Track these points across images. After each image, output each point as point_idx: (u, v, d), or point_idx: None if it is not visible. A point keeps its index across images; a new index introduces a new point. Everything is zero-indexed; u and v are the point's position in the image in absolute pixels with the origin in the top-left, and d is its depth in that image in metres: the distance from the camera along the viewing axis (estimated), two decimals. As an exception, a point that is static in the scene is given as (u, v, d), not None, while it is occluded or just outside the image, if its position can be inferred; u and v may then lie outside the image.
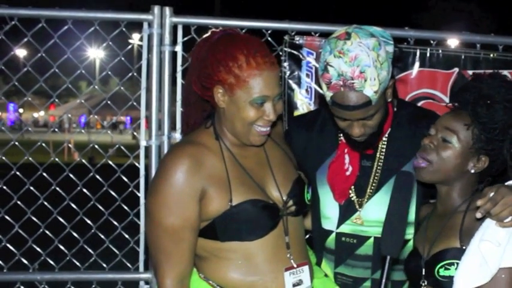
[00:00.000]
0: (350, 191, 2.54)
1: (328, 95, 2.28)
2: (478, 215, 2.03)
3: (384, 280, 2.05)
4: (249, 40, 2.29)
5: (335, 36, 2.27)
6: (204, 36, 2.44)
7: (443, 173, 2.24)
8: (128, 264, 3.61)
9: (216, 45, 2.28)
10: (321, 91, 2.33)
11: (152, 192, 2.30)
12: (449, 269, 2.15)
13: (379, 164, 2.52)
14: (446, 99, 3.35)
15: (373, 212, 2.51)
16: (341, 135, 2.53)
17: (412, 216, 2.46)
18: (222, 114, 2.32)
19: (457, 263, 2.11)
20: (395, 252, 2.09)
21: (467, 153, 2.22)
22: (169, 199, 2.24)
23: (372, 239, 2.52)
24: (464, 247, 2.12)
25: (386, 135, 2.53)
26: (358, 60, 2.19)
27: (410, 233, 2.47)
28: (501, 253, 2.03)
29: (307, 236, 2.77)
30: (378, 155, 2.53)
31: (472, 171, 2.24)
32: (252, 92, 2.21)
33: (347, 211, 2.54)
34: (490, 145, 2.19)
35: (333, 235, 2.57)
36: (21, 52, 21.60)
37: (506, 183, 2.14)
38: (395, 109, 2.56)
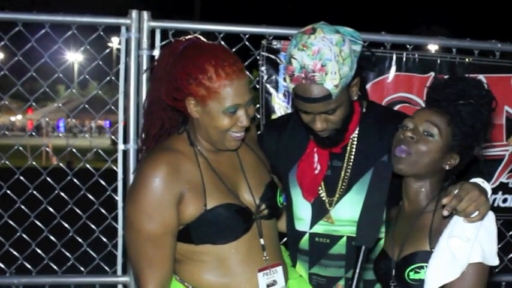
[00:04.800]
0: (320, 190, 2.57)
1: (291, 87, 2.35)
2: (445, 212, 2.06)
3: (358, 270, 2.08)
4: (215, 49, 2.29)
5: (302, 31, 2.33)
6: (168, 46, 2.43)
7: (422, 166, 2.23)
8: (106, 268, 3.61)
9: (183, 56, 2.27)
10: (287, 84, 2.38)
11: (132, 200, 2.28)
12: (419, 272, 2.16)
13: (349, 163, 2.56)
14: (423, 104, 3.38)
15: (344, 212, 2.53)
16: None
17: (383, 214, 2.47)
18: (196, 123, 2.33)
19: (426, 266, 2.11)
20: (370, 242, 2.12)
21: (445, 148, 2.23)
22: (149, 206, 2.23)
23: (344, 238, 2.55)
24: (433, 250, 2.13)
25: (356, 135, 2.57)
26: (320, 54, 2.25)
27: (381, 231, 2.48)
28: (470, 248, 2.05)
29: (284, 240, 2.79)
30: (347, 155, 2.56)
31: (447, 167, 2.27)
32: (224, 101, 2.22)
33: (319, 211, 2.57)
34: (465, 143, 2.22)
35: (307, 236, 2.60)
36: (-2, 55, 21.40)
37: (470, 181, 2.17)
38: (364, 110, 2.61)
